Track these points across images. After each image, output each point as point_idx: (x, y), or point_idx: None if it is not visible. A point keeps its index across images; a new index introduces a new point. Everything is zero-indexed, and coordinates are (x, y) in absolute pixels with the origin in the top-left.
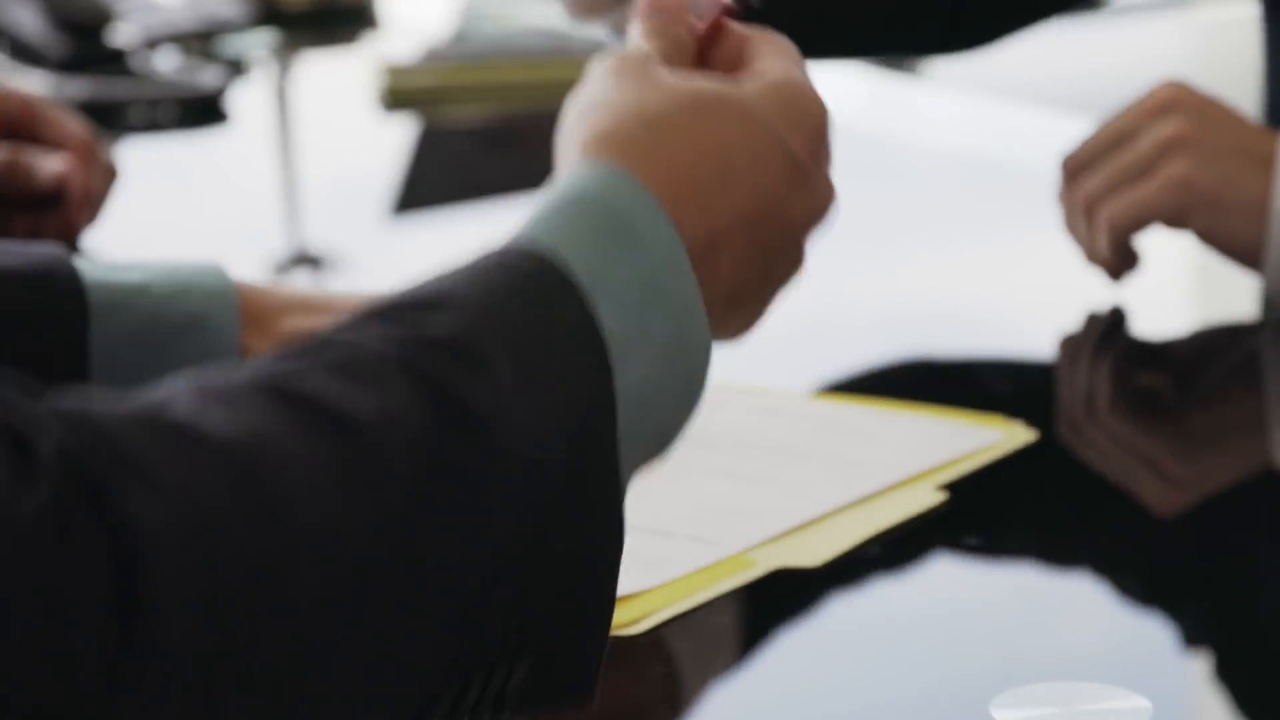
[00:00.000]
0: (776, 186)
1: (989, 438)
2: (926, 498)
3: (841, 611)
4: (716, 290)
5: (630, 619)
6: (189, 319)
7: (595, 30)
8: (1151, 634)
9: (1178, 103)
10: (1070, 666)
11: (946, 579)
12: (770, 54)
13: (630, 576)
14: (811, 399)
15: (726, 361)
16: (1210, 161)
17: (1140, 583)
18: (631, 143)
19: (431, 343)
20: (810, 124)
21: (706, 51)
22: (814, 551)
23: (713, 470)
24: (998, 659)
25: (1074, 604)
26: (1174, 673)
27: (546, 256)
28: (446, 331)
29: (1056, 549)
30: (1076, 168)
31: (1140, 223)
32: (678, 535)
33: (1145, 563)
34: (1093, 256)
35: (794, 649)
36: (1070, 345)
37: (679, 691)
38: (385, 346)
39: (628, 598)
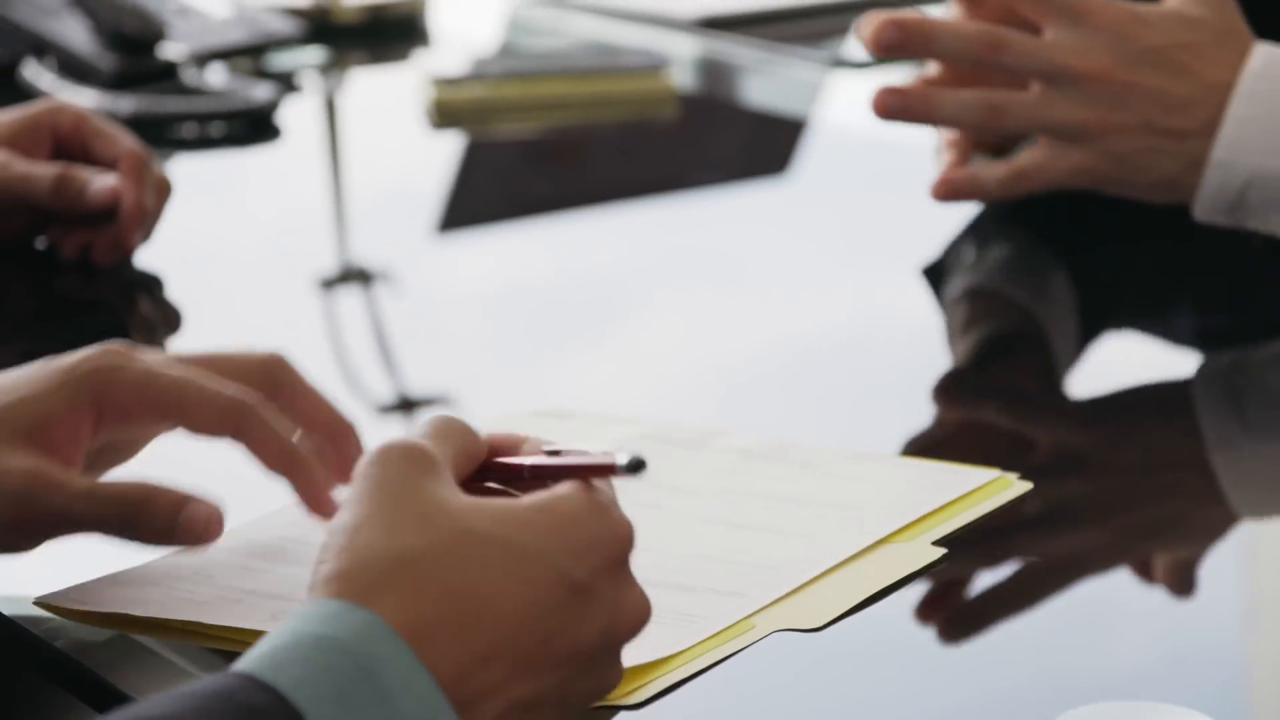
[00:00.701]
0: (552, 615)
1: (979, 477)
2: (929, 552)
3: (897, 632)
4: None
5: (629, 689)
6: None
7: (650, 47)
8: (1215, 652)
9: (1102, 75)
10: (1133, 685)
11: (1003, 596)
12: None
13: (664, 632)
14: (779, 442)
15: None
16: (1113, 157)
17: (1200, 599)
18: (379, 584)
19: None
20: (596, 546)
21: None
22: (816, 612)
23: (707, 519)
24: (1060, 677)
25: (1135, 621)
26: (1238, 692)
27: (286, 698)
28: None
29: (1112, 567)
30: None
31: (1037, 185)
32: (699, 589)
33: (1205, 579)
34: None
35: (850, 669)
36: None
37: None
38: None
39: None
